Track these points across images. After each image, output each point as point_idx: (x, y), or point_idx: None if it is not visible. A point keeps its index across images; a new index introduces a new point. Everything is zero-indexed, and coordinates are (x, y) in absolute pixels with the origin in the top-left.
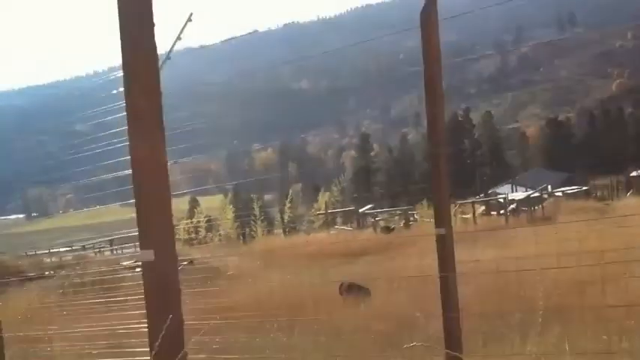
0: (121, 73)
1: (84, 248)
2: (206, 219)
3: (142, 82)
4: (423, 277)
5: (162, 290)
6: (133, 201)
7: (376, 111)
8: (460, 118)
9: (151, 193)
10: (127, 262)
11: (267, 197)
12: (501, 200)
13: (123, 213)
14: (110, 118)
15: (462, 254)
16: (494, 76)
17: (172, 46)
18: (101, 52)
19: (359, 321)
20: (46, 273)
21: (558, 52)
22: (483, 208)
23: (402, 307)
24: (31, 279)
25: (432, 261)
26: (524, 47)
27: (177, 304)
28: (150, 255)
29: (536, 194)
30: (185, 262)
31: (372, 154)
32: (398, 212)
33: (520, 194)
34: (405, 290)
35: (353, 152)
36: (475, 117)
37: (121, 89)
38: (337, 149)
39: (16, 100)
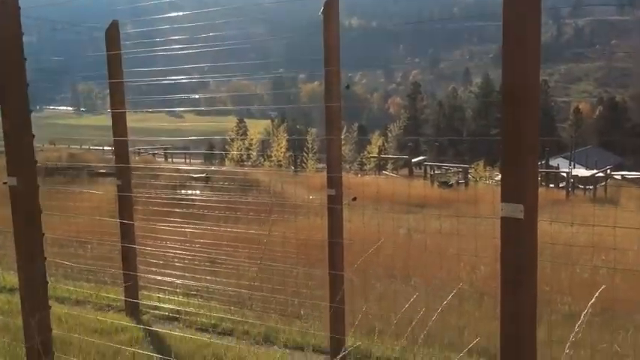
0: None
1: (138, 152)
2: (257, 142)
3: None
4: None
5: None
6: (179, 109)
7: (425, 62)
8: None
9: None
10: (197, 175)
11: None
12: (564, 174)
13: (169, 121)
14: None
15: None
16: (549, 44)
17: None
18: None
19: None
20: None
21: (616, 32)
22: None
23: None
24: (104, 174)
25: None
26: (581, 21)
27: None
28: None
29: (601, 174)
30: (352, 199)
31: (423, 104)
32: (457, 169)
33: (583, 171)
34: None
35: (399, 99)
36: None
37: None
38: (383, 94)
39: None
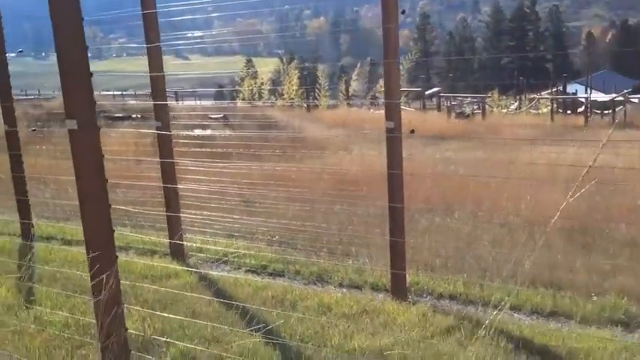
0: None
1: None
2: (268, 81)
3: None
4: None
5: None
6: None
7: None
8: (526, 9)
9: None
10: (215, 115)
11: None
12: (582, 100)
13: (175, 67)
14: None
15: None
16: None
17: None
18: None
19: None
20: (134, 115)
21: None
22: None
23: None
24: (122, 119)
25: None
26: None
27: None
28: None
29: (620, 97)
30: (410, 131)
31: (433, 35)
32: (473, 99)
33: (601, 95)
34: None
35: (407, 32)
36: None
37: None
38: None
39: None
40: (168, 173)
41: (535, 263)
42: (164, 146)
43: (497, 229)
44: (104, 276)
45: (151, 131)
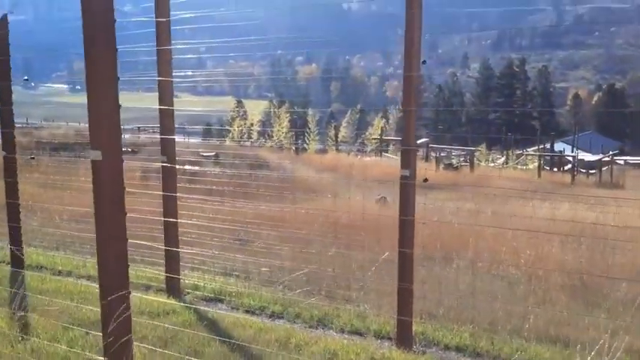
0: None
1: (138, 129)
2: (258, 122)
3: None
4: None
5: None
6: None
7: (424, 46)
8: (516, 68)
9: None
10: (206, 153)
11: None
12: (570, 158)
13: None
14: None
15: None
16: (548, 31)
17: None
18: None
19: None
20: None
21: (615, 20)
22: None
23: None
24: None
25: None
26: (582, 8)
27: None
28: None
29: (606, 158)
30: (423, 180)
31: (422, 87)
32: (462, 152)
33: (587, 155)
34: None
35: (397, 83)
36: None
37: None
38: (381, 77)
39: None
40: (170, 208)
41: (540, 317)
42: (168, 180)
43: (499, 280)
44: (115, 310)
45: (158, 164)
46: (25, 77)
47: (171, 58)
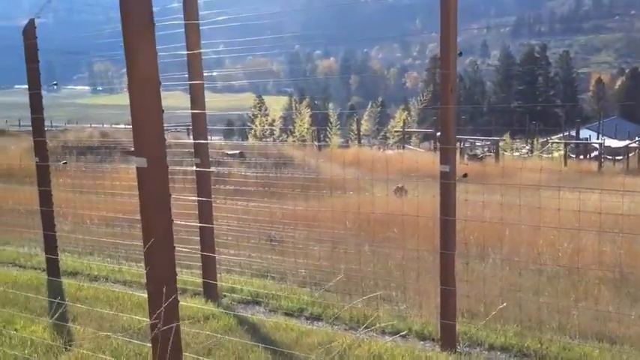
0: None
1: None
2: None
3: None
4: None
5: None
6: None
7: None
8: (536, 54)
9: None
10: (231, 152)
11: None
12: (596, 145)
13: (185, 98)
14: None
15: None
16: (568, 16)
17: None
18: None
19: None
20: None
21: (635, 3)
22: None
23: None
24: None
25: None
26: None
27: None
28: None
29: (634, 144)
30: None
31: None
32: (486, 142)
33: (613, 141)
34: None
35: (416, 74)
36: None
37: None
38: (400, 68)
39: None
40: (205, 212)
41: (583, 314)
42: (202, 183)
43: (537, 275)
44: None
45: (191, 168)
46: (55, 82)
47: (202, 59)
